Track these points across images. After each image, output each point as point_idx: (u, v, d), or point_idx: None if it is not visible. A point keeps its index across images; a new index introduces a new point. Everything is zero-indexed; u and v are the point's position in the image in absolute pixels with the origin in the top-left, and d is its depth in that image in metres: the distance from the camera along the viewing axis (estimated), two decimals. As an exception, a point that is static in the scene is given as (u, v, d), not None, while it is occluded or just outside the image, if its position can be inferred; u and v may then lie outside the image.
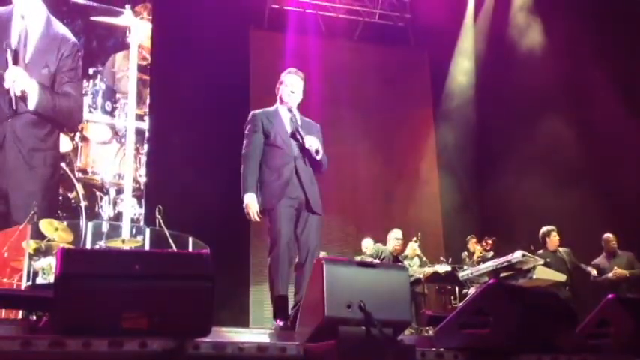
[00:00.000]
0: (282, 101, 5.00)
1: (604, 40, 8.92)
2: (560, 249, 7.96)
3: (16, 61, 4.05)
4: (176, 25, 9.34)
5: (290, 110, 4.92)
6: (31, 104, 4.09)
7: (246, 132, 4.90)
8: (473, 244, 9.34)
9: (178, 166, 8.89)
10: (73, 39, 4.44)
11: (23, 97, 4.08)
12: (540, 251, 7.87)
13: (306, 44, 11.37)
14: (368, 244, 9.48)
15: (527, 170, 9.70)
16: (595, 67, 8.91)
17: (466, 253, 9.42)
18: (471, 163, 11.34)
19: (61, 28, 4.36)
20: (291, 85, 4.98)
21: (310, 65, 11.05)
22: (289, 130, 4.85)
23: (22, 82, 4.06)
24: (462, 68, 11.76)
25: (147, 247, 5.41)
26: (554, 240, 7.95)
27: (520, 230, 9.01)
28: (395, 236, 9.17)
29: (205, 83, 9.52)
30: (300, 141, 4.82)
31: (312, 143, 4.79)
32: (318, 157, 4.82)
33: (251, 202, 4.67)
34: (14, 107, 4.01)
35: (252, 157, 4.77)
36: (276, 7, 11.41)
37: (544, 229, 8.05)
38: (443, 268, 8.90)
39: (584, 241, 8.26)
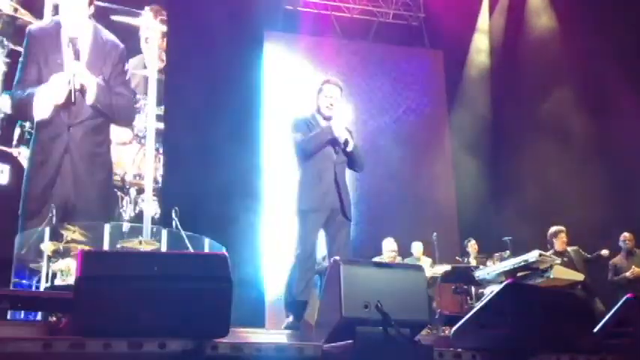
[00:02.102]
0: (319, 111, 5.01)
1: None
2: (569, 249, 7.91)
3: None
4: (191, 27, 9.38)
5: (327, 120, 4.94)
6: (90, 99, 4.15)
7: (294, 134, 4.93)
8: (472, 248, 9.33)
9: (193, 167, 8.93)
10: (120, 44, 4.49)
11: (82, 92, 4.13)
12: (548, 253, 7.83)
13: (321, 45, 11.39)
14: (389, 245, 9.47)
15: (544, 169, 9.65)
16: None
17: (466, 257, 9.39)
18: (487, 161, 11.31)
19: (108, 35, 4.42)
20: (330, 98, 4.97)
21: (324, 66, 11.08)
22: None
23: (82, 77, 4.12)
24: (477, 64, 11.73)
25: (164, 248, 5.43)
26: (562, 241, 7.89)
27: (537, 229, 8.96)
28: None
29: (220, 84, 9.55)
30: (342, 147, 4.88)
31: (347, 136, 4.90)
32: (349, 149, 4.90)
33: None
34: (73, 100, 4.06)
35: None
36: (291, 8, 11.42)
37: (552, 229, 7.99)
38: (442, 269, 8.91)
39: (598, 239, 8.18)
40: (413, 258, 9.39)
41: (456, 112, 11.84)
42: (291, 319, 4.67)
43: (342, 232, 4.85)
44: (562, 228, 7.98)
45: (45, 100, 4.19)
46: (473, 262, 9.00)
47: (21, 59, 4.43)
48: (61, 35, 4.22)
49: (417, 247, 9.50)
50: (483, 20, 11.79)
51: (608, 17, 8.98)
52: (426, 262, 9.21)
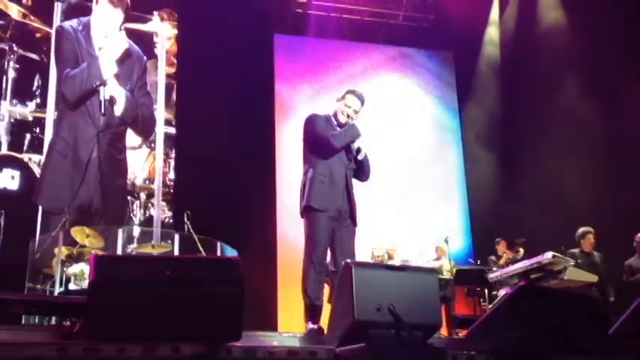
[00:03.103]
0: (335, 116, 5.00)
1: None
2: (595, 253, 7.90)
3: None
4: (201, 31, 9.41)
5: (340, 127, 4.95)
6: (118, 109, 4.20)
7: (315, 129, 4.94)
8: (502, 248, 9.27)
9: (205, 170, 8.96)
10: (143, 55, 4.54)
11: (111, 102, 4.18)
12: (574, 250, 7.80)
13: (331, 47, 11.40)
14: (394, 247, 9.48)
15: (557, 170, 9.61)
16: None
17: (493, 257, 9.34)
18: (499, 163, 11.28)
19: (134, 46, 4.46)
20: (349, 108, 4.95)
21: (334, 68, 11.09)
22: None
23: (111, 88, 4.16)
24: (488, 64, 11.72)
25: (176, 252, 5.45)
26: (590, 242, 7.89)
27: (550, 230, 8.92)
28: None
29: (230, 87, 9.58)
30: (354, 153, 4.89)
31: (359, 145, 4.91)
32: (360, 157, 4.94)
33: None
34: (102, 111, 4.12)
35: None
36: (300, 11, 11.44)
37: (581, 229, 7.98)
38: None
39: (612, 234, 8.13)
40: (433, 260, 9.40)
41: (467, 110, 11.81)
42: (310, 325, 4.64)
43: (348, 236, 4.83)
44: (590, 229, 7.96)
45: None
46: (501, 263, 8.97)
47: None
48: (93, 44, 4.25)
49: (437, 249, 9.50)
50: (495, 14, 11.79)
51: (620, 10, 8.93)
52: (445, 263, 9.23)
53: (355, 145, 4.91)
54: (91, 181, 4.26)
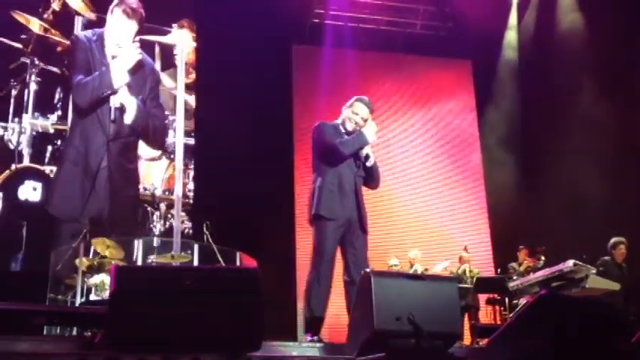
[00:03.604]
0: (343, 124, 5.00)
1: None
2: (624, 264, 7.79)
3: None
4: (219, 42, 9.47)
5: (348, 135, 4.95)
6: (129, 118, 4.22)
7: (318, 135, 4.96)
8: (523, 255, 9.21)
9: (223, 181, 8.99)
10: (156, 67, 4.57)
11: (122, 111, 4.22)
12: (606, 258, 7.71)
13: (348, 57, 11.41)
14: (415, 255, 9.47)
15: (579, 174, 9.53)
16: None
17: (515, 264, 9.28)
18: (519, 168, 11.22)
19: (147, 58, 4.50)
20: (356, 115, 4.93)
21: (352, 78, 11.09)
22: None
23: (121, 96, 4.20)
24: (507, 68, 11.70)
25: (195, 262, 5.47)
26: (621, 252, 7.78)
27: (572, 237, 8.85)
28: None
29: (248, 98, 9.62)
30: (362, 160, 4.88)
31: (368, 151, 4.88)
32: (369, 164, 4.90)
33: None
34: (112, 118, 4.15)
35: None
36: (317, 21, 11.47)
37: (613, 240, 7.86)
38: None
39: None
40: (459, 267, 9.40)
41: (487, 117, 11.76)
42: (309, 337, 4.58)
43: (360, 245, 4.79)
44: (622, 239, 7.85)
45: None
46: (521, 269, 8.91)
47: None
48: (106, 54, 4.30)
49: (459, 258, 9.48)
50: (513, 19, 11.78)
51: (637, 11, 8.87)
52: (467, 271, 9.22)
53: (364, 152, 4.90)
54: (100, 190, 4.27)
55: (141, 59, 4.33)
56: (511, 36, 11.79)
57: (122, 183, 4.38)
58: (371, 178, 5.02)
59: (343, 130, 4.96)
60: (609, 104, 9.39)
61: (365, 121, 4.92)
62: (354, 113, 4.95)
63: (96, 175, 4.29)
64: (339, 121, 5.03)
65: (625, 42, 9.04)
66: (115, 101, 4.16)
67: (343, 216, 4.74)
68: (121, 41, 4.28)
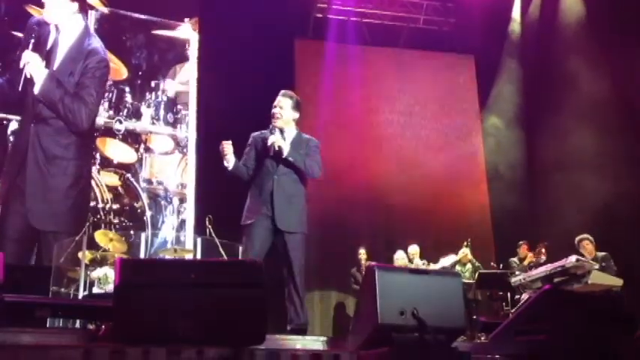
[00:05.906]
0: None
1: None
2: (598, 254, 7.75)
3: (47, 65, 4.21)
4: (222, 36, 9.45)
5: (272, 130, 4.92)
6: (36, 89, 4.19)
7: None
8: (524, 250, 9.20)
9: (226, 175, 8.98)
10: (104, 55, 4.45)
11: (32, 82, 4.18)
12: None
13: (351, 52, 11.39)
14: (415, 250, 9.46)
15: (579, 177, 9.52)
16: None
17: (516, 259, 9.27)
18: (521, 167, 11.21)
19: (94, 43, 4.42)
20: (274, 107, 5.00)
21: (355, 72, 11.08)
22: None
23: (33, 66, 4.17)
24: (511, 61, 11.68)
25: (198, 256, 5.48)
26: (587, 249, 7.75)
27: (573, 234, 8.84)
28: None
29: (251, 92, 9.60)
30: (278, 156, 4.84)
31: (275, 140, 4.90)
32: (284, 155, 4.84)
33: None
34: (19, 88, 4.12)
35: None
36: (321, 16, 11.45)
37: (577, 237, 7.87)
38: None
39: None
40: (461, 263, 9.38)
41: (488, 116, 11.76)
42: None
43: (290, 245, 4.71)
44: (586, 235, 7.84)
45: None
46: (524, 264, 8.89)
47: None
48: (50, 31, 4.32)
49: (463, 252, 9.46)
50: (516, 13, 11.76)
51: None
52: (470, 268, 9.21)
53: (275, 145, 4.87)
54: (26, 174, 4.16)
55: (85, 38, 4.31)
56: (514, 30, 11.77)
57: (49, 169, 4.15)
58: (296, 170, 4.93)
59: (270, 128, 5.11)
60: (617, 98, 9.37)
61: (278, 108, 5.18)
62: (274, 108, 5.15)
63: (24, 157, 4.18)
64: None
65: (630, 34, 8.98)
66: (26, 71, 4.13)
67: (266, 218, 4.75)
68: (54, 11, 4.30)
